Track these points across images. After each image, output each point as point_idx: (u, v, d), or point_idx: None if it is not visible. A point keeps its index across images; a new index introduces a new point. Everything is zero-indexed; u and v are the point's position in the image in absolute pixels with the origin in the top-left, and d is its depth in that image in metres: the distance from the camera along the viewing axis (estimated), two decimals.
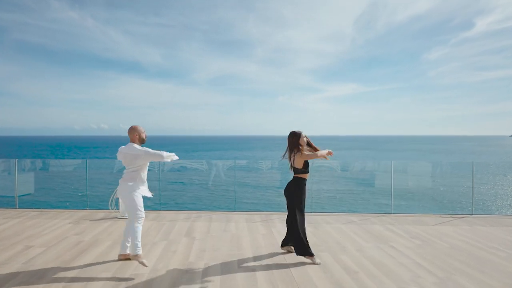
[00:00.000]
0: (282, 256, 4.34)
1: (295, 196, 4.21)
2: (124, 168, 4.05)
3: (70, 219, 6.13)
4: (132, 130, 4.02)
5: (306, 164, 4.24)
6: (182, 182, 17.97)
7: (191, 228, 5.62)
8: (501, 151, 79.87)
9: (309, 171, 4.35)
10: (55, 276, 3.61)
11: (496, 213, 14.59)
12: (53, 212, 6.71)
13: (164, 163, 8.03)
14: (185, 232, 5.38)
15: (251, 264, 4.06)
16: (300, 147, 4.19)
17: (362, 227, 5.80)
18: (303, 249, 4.13)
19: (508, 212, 16.73)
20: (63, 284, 3.42)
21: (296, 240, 4.19)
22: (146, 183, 4.09)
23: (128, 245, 4.07)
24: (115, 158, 4.18)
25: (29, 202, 7.86)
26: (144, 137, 4.08)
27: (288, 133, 4.36)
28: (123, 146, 4.03)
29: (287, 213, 4.48)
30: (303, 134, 4.24)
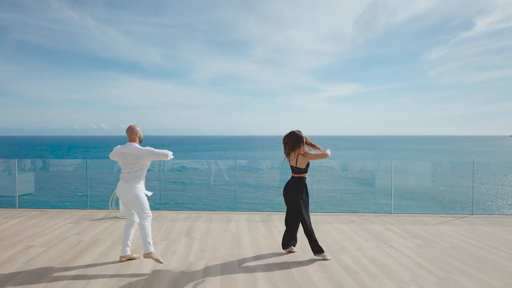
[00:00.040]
0: (282, 256, 4.34)
1: (301, 195, 4.23)
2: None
3: (70, 219, 6.13)
4: (132, 130, 4.01)
5: (308, 163, 4.27)
6: (182, 182, 17.97)
7: (191, 228, 5.62)
8: (501, 151, 79.84)
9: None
10: (55, 275, 3.61)
11: (496, 212, 14.58)
12: (53, 212, 6.71)
13: (164, 162, 8.04)
14: (185, 232, 5.38)
15: (252, 264, 4.05)
16: (304, 147, 4.24)
17: (363, 227, 5.79)
18: (317, 246, 4.21)
19: (508, 212, 16.73)
20: (63, 283, 3.42)
21: (309, 239, 4.24)
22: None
23: (129, 246, 4.08)
24: None
25: (29, 202, 7.86)
26: (142, 136, 4.13)
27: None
28: (120, 146, 4.00)
29: (285, 213, 4.49)
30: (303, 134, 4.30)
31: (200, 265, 3.97)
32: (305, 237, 4.27)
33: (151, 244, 3.85)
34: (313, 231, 4.26)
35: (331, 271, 3.81)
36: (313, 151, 4.28)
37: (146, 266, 3.91)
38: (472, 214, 6.96)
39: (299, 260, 4.17)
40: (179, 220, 6.17)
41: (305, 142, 4.27)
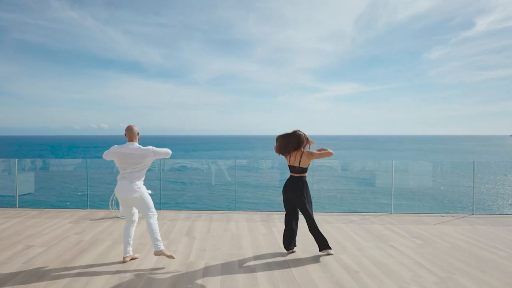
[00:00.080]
0: (282, 255, 4.33)
1: (306, 194, 4.28)
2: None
3: (70, 219, 6.13)
4: (132, 130, 4.02)
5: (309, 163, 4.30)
6: (182, 182, 17.97)
7: (191, 228, 5.62)
8: (502, 150, 79.83)
9: None
10: (55, 275, 3.61)
11: (497, 212, 14.57)
12: (53, 211, 6.71)
13: (164, 162, 8.06)
14: (185, 232, 5.38)
15: (252, 263, 4.05)
16: (307, 146, 4.27)
17: (363, 227, 5.79)
18: (326, 242, 4.31)
19: (509, 212, 16.72)
20: (63, 283, 3.42)
21: (317, 236, 4.31)
22: None
23: (131, 246, 4.08)
24: None
25: (29, 202, 7.86)
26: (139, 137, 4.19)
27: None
28: (118, 146, 3.98)
29: (285, 213, 4.48)
30: None
31: (200, 265, 3.97)
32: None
33: (161, 241, 3.90)
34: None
35: (331, 271, 3.81)
36: (316, 151, 4.30)
37: (146, 266, 3.91)
38: (473, 214, 6.95)
39: (299, 259, 4.17)
40: (179, 219, 6.16)
41: (309, 141, 4.30)
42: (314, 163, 5.87)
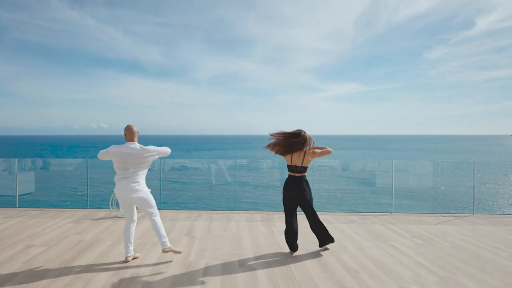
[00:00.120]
0: (283, 255, 4.33)
1: (310, 193, 4.34)
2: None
3: (70, 218, 6.13)
4: (132, 129, 4.01)
5: None
6: (183, 182, 17.98)
7: (191, 228, 5.62)
8: (502, 150, 79.80)
9: None
10: (56, 275, 3.61)
11: (497, 212, 14.57)
12: (53, 211, 6.71)
13: (164, 162, 8.06)
14: (185, 232, 5.38)
15: (252, 263, 4.05)
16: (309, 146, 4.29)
17: (363, 227, 5.78)
18: (329, 236, 4.42)
19: (509, 211, 16.71)
20: (64, 283, 3.42)
21: (322, 231, 4.39)
22: None
23: (132, 245, 4.10)
24: None
25: (29, 201, 7.87)
26: None
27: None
28: (118, 146, 3.96)
29: (287, 214, 4.46)
30: None
31: (201, 265, 3.96)
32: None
33: (167, 238, 4.01)
34: None
35: (331, 271, 3.81)
36: (317, 150, 4.34)
37: (146, 265, 3.91)
38: (473, 214, 6.94)
39: (299, 259, 4.17)
40: (180, 219, 6.16)
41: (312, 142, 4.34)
42: (314, 163, 5.86)
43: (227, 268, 3.87)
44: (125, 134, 4.04)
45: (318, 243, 4.51)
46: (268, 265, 3.99)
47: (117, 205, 6.41)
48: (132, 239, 4.09)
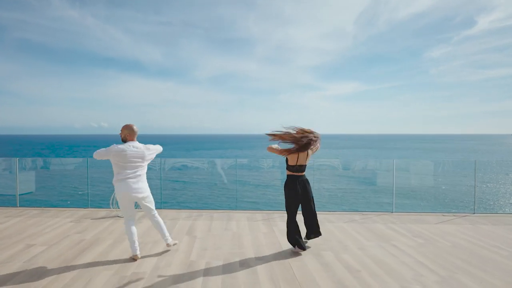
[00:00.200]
0: (283, 254, 4.32)
1: (310, 190, 4.46)
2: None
3: (71, 218, 6.13)
4: (133, 129, 4.01)
5: None
6: (183, 181, 17.98)
7: (192, 227, 5.61)
8: (504, 149, 79.69)
9: None
10: (56, 274, 3.61)
11: (498, 211, 14.55)
12: (54, 210, 6.71)
13: (165, 161, 8.07)
14: (186, 231, 5.37)
15: (253, 262, 4.04)
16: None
17: (364, 226, 5.78)
18: (318, 230, 4.55)
19: (510, 211, 16.69)
20: (64, 282, 3.41)
21: (316, 225, 4.50)
22: None
23: (137, 243, 4.11)
24: None
25: (30, 201, 7.87)
26: None
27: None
28: (120, 145, 3.93)
29: (292, 214, 4.46)
30: None
31: (201, 264, 3.96)
32: (304, 234, 4.29)
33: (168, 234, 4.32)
34: None
35: (332, 270, 3.80)
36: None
37: (147, 265, 3.91)
38: (474, 213, 6.93)
39: (300, 258, 4.16)
40: (180, 219, 6.16)
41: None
42: (315, 162, 5.86)
43: (227, 268, 3.86)
44: (125, 134, 4.00)
45: (318, 243, 4.52)
46: (269, 264, 3.99)
47: (117, 204, 6.40)
48: (136, 238, 4.10)
